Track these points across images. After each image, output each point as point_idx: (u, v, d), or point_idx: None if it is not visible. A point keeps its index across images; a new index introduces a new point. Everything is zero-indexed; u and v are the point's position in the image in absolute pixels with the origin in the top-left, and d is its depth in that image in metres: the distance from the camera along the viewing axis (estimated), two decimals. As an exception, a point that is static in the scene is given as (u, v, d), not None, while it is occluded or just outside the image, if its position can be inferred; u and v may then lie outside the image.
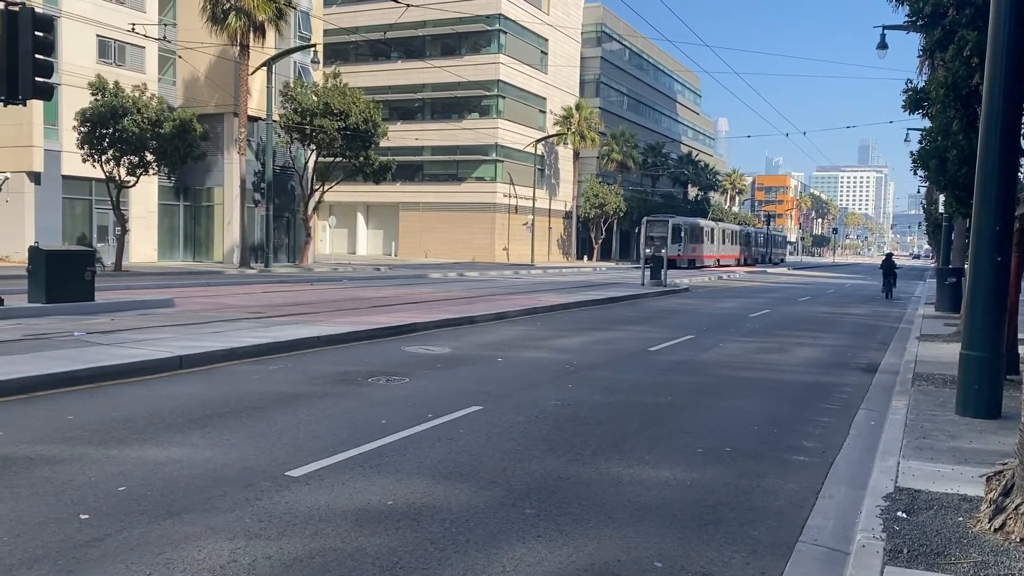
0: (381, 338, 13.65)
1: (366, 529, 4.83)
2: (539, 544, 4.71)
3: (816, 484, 6.09)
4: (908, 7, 11.67)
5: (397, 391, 9.10)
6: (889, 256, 32.50)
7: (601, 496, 5.62)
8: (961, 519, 4.91)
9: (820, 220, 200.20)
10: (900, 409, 8.27)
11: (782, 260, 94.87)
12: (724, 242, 69.52)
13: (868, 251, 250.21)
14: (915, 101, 12.50)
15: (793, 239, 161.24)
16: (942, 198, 21.78)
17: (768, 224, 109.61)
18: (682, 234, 57.75)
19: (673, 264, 51.12)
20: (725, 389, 10.06)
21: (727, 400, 9.34)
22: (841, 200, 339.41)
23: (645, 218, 59.57)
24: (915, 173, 17.91)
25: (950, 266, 24.52)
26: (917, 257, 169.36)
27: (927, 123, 15.34)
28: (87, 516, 4.89)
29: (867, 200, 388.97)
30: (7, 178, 32.28)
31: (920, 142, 16.60)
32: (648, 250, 54.46)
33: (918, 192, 55.24)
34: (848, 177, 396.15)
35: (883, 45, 21.65)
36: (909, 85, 12.57)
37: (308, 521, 4.92)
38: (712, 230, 66.41)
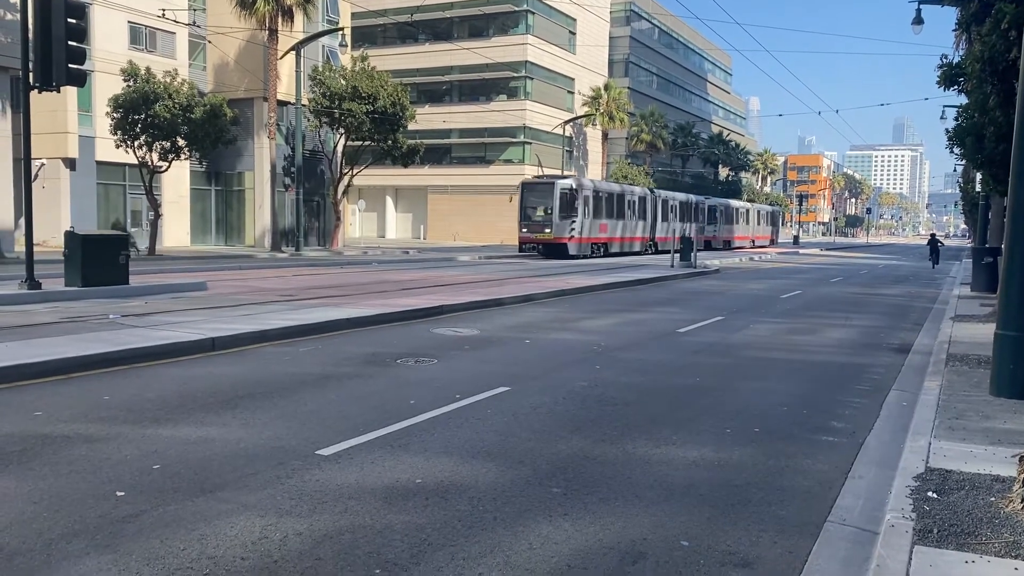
0: (410, 320, 13.73)
1: (395, 506, 4.89)
2: (566, 522, 4.74)
3: (846, 464, 6.04)
4: (944, -20, 11.43)
5: (425, 372, 9.17)
6: (933, 235, 42.57)
7: (628, 476, 5.63)
8: (993, 499, 4.85)
9: (854, 200, 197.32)
10: (933, 390, 8.17)
11: (773, 241, 69.83)
12: (666, 219, 47.87)
13: (903, 231, 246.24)
14: (950, 76, 12.29)
15: (826, 219, 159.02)
16: (979, 176, 21.37)
17: (801, 204, 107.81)
18: (577, 205, 37.56)
19: (563, 251, 36.81)
20: (754, 370, 9.99)
21: (756, 381, 9.28)
22: (875, 180, 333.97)
23: (522, 181, 40.95)
24: (951, 151, 17.58)
25: (987, 245, 24.07)
26: (948, 236, 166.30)
27: (963, 100, 15.05)
28: (123, 493, 5.00)
29: (902, 179, 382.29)
30: (43, 164, 32.84)
31: (956, 119, 16.30)
32: (523, 230, 38.17)
33: (954, 171, 53.86)
34: (882, 156, 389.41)
35: (918, 20, 21.21)
36: (944, 60, 12.34)
37: (338, 499, 4.99)
38: (639, 201, 44.73)
